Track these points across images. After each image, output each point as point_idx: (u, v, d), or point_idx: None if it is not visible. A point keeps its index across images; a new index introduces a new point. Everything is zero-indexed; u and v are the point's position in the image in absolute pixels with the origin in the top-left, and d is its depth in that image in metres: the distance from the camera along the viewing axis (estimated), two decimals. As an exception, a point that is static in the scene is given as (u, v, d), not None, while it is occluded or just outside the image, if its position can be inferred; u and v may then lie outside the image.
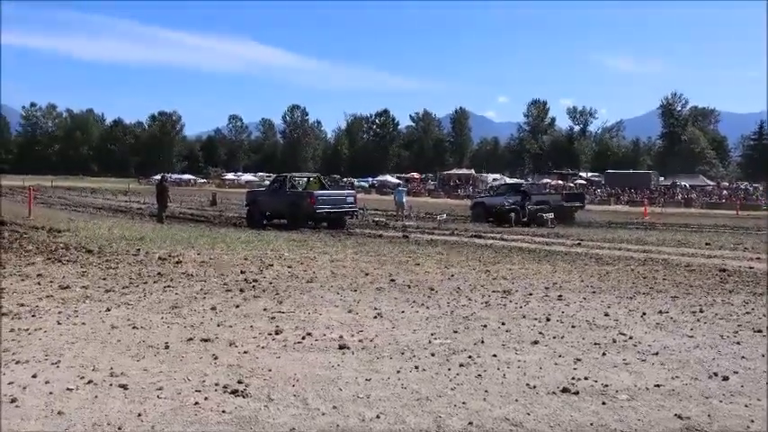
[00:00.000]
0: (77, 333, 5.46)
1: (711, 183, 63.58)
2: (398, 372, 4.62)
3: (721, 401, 4.12)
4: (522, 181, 44.62)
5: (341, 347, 5.20)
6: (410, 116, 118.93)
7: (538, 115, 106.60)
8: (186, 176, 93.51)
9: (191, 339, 5.34)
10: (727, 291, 8.49)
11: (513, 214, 21.85)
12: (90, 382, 4.20)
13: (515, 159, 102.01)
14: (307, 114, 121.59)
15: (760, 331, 6.07)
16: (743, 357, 5.15)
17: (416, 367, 4.73)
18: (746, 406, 4.02)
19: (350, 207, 20.37)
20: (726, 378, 4.58)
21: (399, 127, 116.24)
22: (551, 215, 22.58)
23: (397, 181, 67.97)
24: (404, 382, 4.38)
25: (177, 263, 9.78)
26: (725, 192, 55.29)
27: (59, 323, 5.80)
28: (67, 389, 4.06)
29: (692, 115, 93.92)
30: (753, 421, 3.77)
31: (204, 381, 4.29)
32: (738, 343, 5.64)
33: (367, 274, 9.23)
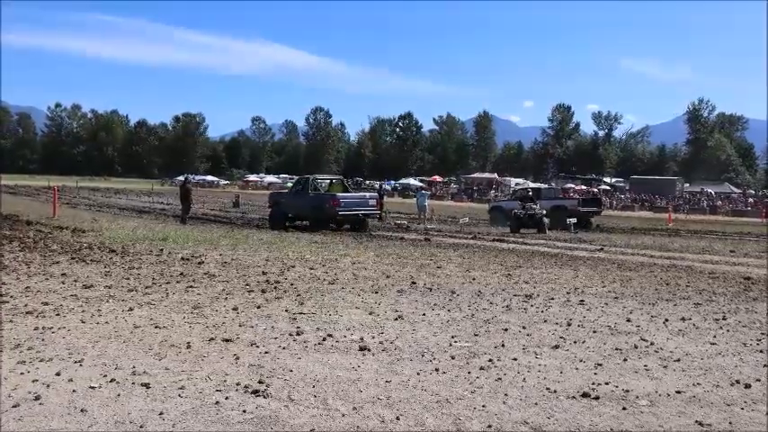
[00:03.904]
0: (100, 332, 5.57)
1: (737, 190, 62.52)
2: (418, 374, 4.65)
3: (743, 409, 4.08)
4: (544, 185, 44.29)
5: (361, 349, 5.25)
6: (433, 119, 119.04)
7: (562, 120, 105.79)
8: (210, 178, 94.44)
9: (212, 339, 5.43)
10: (751, 299, 8.36)
11: (527, 219, 21.32)
12: (113, 380, 4.28)
13: (539, 164, 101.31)
14: (330, 116, 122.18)
15: (786, 340, 5.99)
16: (765, 366, 5.09)
17: (437, 370, 4.76)
18: (769, 414, 3.99)
19: (372, 210, 20.44)
20: (748, 386, 4.53)
21: (423, 130, 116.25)
22: (574, 220, 22.39)
23: (420, 184, 67.94)
24: (424, 385, 4.41)
25: (200, 263, 9.92)
26: (751, 199, 54.29)
27: (83, 322, 5.92)
28: (90, 387, 4.15)
29: (718, 122, 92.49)
30: (776, 430, 3.73)
31: (225, 380, 4.36)
32: (762, 351, 5.56)
33: (388, 277, 9.27)
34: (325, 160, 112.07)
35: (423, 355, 5.15)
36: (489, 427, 3.68)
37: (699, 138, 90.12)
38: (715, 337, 6.07)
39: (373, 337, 5.67)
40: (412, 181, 76.67)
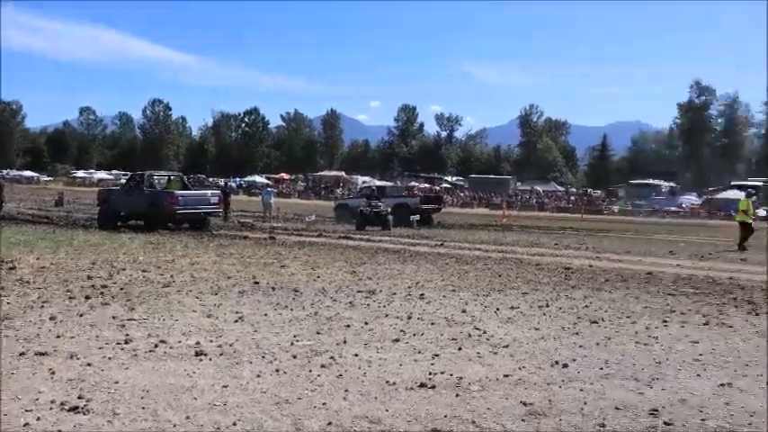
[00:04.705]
0: None
1: (561, 189, 68.96)
2: (258, 376, 4.51)
3: (560, 387, 4.44)
4: (389, 184, 45.66)
5: (197, 354, 4.98)
6: (281, 116, 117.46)
7: (408, 120, 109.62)
8: (28, 173, 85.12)
9: (23, 354, 4.84)
10: (570, 287, 9.22)
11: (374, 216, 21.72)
12: None
13: (385, 162, 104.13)
14: (170, 109, 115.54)
15: (596, 322, 6.65)
16: (580, 346, 5.62)
17: (277, 371, 4.65)
18: (581, 390, 4.38)
19: (214, 208, 19.68)
20: (565, 365, 4.96)
21: (269, 126, 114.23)
22: (417, 217, 23.26)
23: (266, 182, 66.80)
24: (263, 387, 4.28)
25: (11, 269, 8.87)
26: (572, 197, 60.22)
27: None
28: None
29: (546, 126, 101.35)
30: (586, 403, 4.10)
31: (38, 399, 3.89)
32: (577, 333, 6.13)
33: (229, 277, 8.95)
34: (164, 156, 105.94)
35: (263, 357, 5.01)
36: (329, 424, 3.65)
37: (530, 140, 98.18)
38: (539, 322, 6.59)
39: (211, 341, 5.40)
40: (258, 178, 75.10)
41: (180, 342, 5.35)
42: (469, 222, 29.68)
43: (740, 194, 40.92)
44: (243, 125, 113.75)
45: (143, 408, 3.82)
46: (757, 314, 7.33)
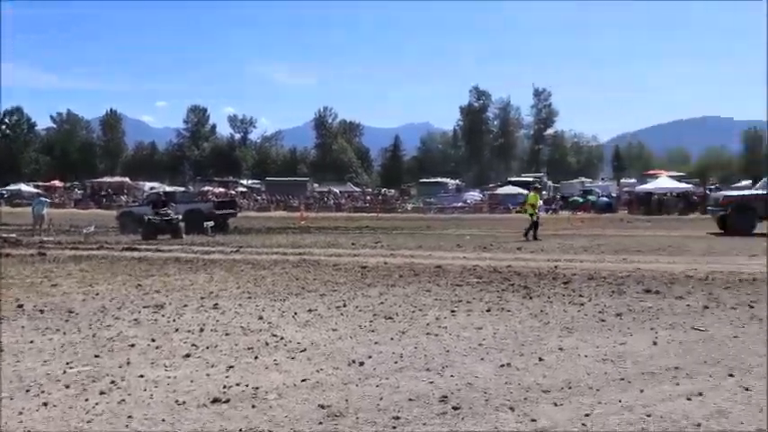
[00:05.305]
0: None
1: (358, 189, 71.45)
2: (21, 413, 3.90)
3: (357, 385, 4.50)
4: (180, 189, 43.37)
5: (-63, 398, 4.15)
6: (51, 117, 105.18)
7: (198, 122, 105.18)
8: None
9: None
10: (366, 285, 9.48)
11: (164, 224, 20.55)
12: None
13: (175, 166, 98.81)
14: None
15: (391, 318, 6.90)
16: (376, 343, 5.77)
17: (45, 404, 4.07)
18: (377, 386, 4.48)
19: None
20: (362, 363, 5.04)
21: (37, 128, 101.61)
22: (211, 223, 22.37)
23: (36, 191, 59.30)
24: (27, 425, 3.70)
25: None
26: (368, 197, 62.70)
27: None
28: None
29: (341, 128, 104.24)
30: (381, 398, 4.19)
31: None
32: (373, 331, 6.30)
33: (-16, 303, 7.69)
34: None
35: (27, 391, 4.35)
36: (107, 460, 3.25)
37: (325, 142, 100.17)
38: (336, 323, 6.65)
39: (-43, 380, 4.55)
40: (24, 187, 66.34)
41: None
42: (267, 226, 29.31)
43: (517, 189, 46.34)
44: (3, 127, 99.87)
45: None
46: (531, 298, 8.16)
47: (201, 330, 6.26)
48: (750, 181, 38.55)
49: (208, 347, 5.59)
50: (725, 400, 4.11)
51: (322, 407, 4.03)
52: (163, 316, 7.00)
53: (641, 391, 4.32)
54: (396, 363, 5.09)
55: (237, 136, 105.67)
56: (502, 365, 4.98)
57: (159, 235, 19.68)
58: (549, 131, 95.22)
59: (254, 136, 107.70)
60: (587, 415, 3.86)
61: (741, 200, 20.94)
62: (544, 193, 43.42)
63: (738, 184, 41.84)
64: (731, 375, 4.64)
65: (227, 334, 6.12)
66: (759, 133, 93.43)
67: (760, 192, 21.03)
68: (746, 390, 4.31)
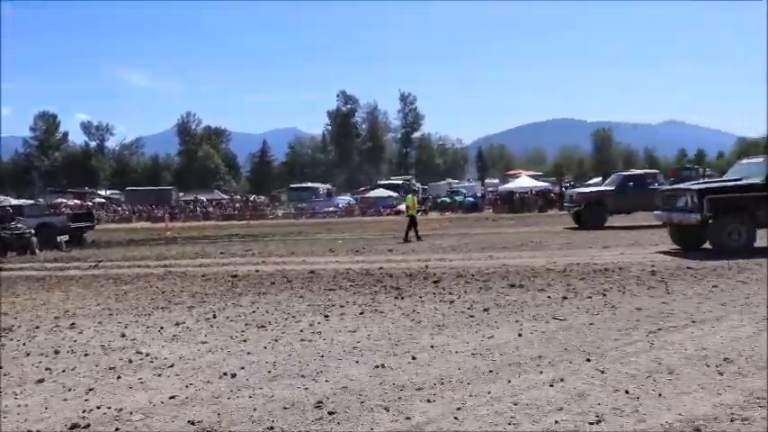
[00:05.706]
0: None
1: (226, 196, 69.34)
2: None
3: (229, 398, 4.38)
4: (29, 201, 39.60)
5: None
6: None
7: (48, 129, 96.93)
8: None
9: None
10: (237, 294, 9.24)
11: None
12: None
13: (23, 177, 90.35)
14: None
15: (263, 326, 6.78)
16: (249, 353, 5.64)
17: None
18: (250, 397, 4.39)
19: None
20: (234, 375, 4.92)
21: None
22: (66, 237, 20.72)
23: None
24: None
25: None
26: (238, 204, 61.06)
27: None
28: None
29: (206, 134, 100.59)
30: (255, 409, 4.12)
31: None
32: (245, 341, 6.16)
33: None
34: None
35: None
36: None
37: (189, 149, 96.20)
38: (206, 335, 6.43)
39: None
40: None
41: None
42: (129, 238, 27.60)
43: (387, 192, 47.33)
44: None
45: None
46: (403, 298, 8.36)
47: (57, 353, 5.79)
48: (600, 177, 42.00)
49: (64, 370, 5.18)
50: (584, 383, 4.46)
51: (192, 423, 3.89)
52: (11, 340, 6.39)
53: (509, 381, 4.57)
54: (269, 372, 5.02)
55: (93, 144, 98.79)
56: (376, 366, 5.07)
57: (8, 252, 17.99)
58: (416, 134, 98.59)
59: (112, 144, 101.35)
60: (459, 408, 4.03)
61: (593, 196, 22.85)
62: (420, 194, 44.97)
63: (590, 181, 45.61)
64: (588, 360, 5.04)
65: (85, 354, 5.71)
66: (607, 133, 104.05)
67: (609, 188, 23.09)
68: (602, 372, 4.71)
